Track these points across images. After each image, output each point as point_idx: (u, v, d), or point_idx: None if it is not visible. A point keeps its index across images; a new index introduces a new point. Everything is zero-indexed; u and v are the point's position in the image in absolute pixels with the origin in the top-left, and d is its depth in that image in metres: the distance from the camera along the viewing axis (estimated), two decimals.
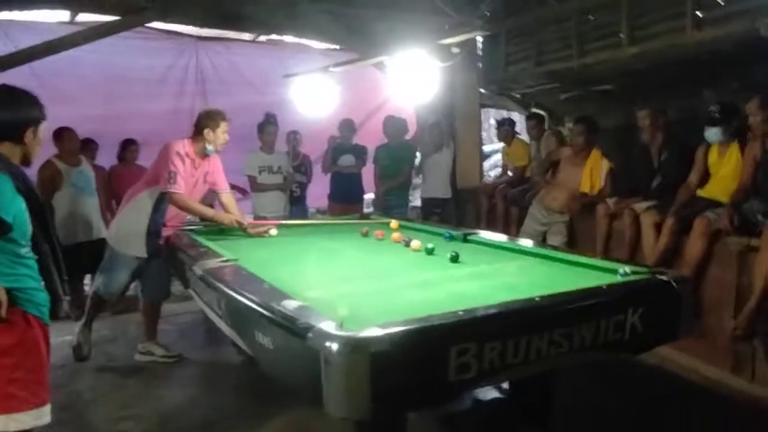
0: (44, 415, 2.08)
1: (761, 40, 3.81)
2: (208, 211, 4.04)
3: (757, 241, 3.35)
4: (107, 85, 6.22)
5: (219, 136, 3.89)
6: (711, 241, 3.67)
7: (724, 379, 3.50)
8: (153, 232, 3.82)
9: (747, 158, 3.74)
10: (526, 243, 3.50)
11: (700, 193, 4.06)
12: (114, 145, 5.89)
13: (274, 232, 4.01)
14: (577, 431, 2.87)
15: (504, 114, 9.32)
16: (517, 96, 7.16)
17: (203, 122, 3.88)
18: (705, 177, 4.11)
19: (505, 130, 6.40)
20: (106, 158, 5.90)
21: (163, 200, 3.82)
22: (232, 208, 4.10)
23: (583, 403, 3.08)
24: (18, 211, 1.99)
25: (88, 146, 5.56)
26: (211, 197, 4.42)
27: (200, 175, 3.97)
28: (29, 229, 2.07)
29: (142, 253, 3.84)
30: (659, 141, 4.44)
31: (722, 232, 3.61)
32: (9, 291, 1.95)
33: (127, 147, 5.87)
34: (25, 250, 2.07)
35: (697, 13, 4.20)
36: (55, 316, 2.18)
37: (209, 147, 3.90)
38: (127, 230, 3.86)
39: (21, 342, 2.00)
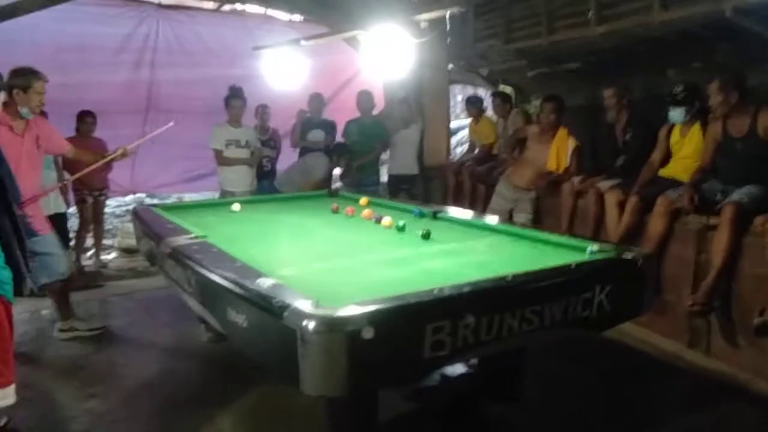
0: (8, 395, 2.03)
1: (726, 21, 3.89)
2: None
3: (716, 219, 3.46)
4: (63, 54, 5.90)
5: (32, 97, 3.54)
6: (672, 219, 3.77)
7: (681, 352, 3.64)
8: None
9: (707, 139, 3.84)
10: (495, 220, 3.54)
11: (662, 172, 4.16)
12: (70, 117, 5.66)
13: (237, 207, 3.96)
14: (543, 406, 2.94)
15: (470, 90, 9.34)
16: (485, 73, 7.17)
17: (11, 83, 3.51)
18: (667, 156, 4.20)
19: (474, 107, 6.41)
20: (63, 130, 5.67)
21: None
22: (85, 153, 3.94)
23: (547, 378, 3.16)
24: None
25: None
26: None
27: (28, 141, 3.64)
28: None
29: None
30: (624, 120, 4.52)
31: (682, 210, 3.71)
32: None
33: (83, 119, 5.63)
34: None
35: None
36: (19, 293, 2.12)
37: (23, 110, 3.54)
38: None
39: None
